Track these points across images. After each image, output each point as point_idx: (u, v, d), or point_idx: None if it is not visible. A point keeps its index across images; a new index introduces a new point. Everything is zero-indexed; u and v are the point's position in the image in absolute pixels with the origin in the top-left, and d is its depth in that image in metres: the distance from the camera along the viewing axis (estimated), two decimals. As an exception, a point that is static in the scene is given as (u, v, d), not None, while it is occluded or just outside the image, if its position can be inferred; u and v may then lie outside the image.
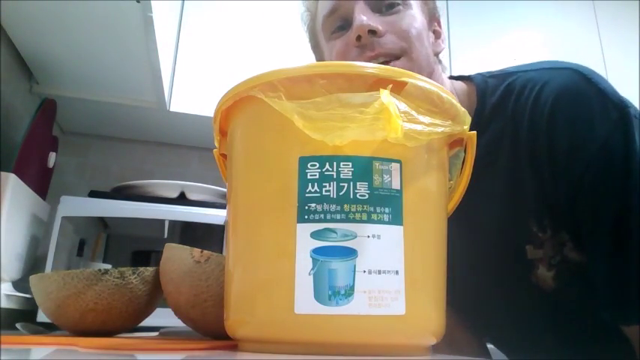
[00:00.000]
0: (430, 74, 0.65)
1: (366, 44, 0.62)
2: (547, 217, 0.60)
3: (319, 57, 0.75)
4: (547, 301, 0.63)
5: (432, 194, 0.42)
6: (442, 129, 0.40)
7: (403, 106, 0.38)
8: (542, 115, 0.58)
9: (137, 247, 1.36)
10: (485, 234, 0.66)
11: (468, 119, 0.44)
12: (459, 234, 0.55)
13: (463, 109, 0.43)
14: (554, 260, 0.60)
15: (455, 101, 0.43)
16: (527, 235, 0.61)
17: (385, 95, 0.36)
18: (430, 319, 0.39)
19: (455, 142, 0.47)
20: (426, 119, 0.39)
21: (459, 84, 0.69)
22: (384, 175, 0.38)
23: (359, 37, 0.62)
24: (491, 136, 0.63)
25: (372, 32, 0.62)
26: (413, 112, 0.38)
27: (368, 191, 0.37)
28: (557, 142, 0.57)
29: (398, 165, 0.38)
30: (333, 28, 0.68)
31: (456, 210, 0.48)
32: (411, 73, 0.40)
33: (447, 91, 0.42)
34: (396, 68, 0.40)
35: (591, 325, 0.62)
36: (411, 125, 0.37)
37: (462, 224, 0.58)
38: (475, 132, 0.46)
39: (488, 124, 0.64)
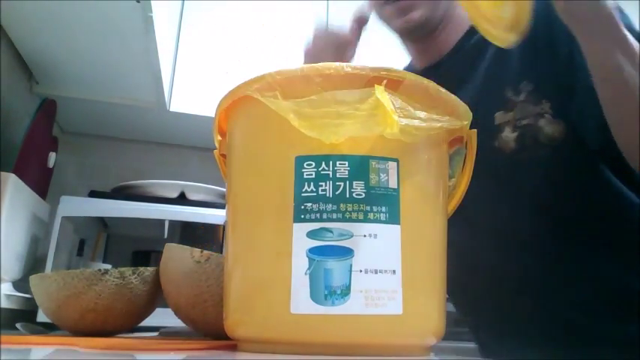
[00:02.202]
0: None
1: None
2: (525, 82, 0.66)
3: None
4: (504, 164, 0.68)
5: (431, 193, 0.42)
6: (440, 124, 0.40)
7: (399, 102, 0.37)
8: None
9: (137, 247, 1.36)
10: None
11: (469, 115, 0.44)
12: None
13: (463, 104, 0.43)
14: (520, 123, 0.67)
15: (454, 97, 0.42)
16: (499, 102, 0.69)
17: (380, 91, 0.36)
18: (429, 319, 0.39)
19: (455, 140, 0.47)
20: (423, 114, 0.39)
21: None
22: (381, 174, 0.38)
23: None
24: None
25: None
26: (409, 108, 0.38)
27: (364, 190, 0.37)
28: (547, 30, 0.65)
29: (395, 164, 0.38)
30: None
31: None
32: (407, 72, 0.40)
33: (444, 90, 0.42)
34: (392, 67, 0.40)
35: (544, 190, 0.67)
36: (408, 121, 0.37)
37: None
38: (475, 130, 0.46)
39: None
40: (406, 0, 0.71)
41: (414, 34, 0.75)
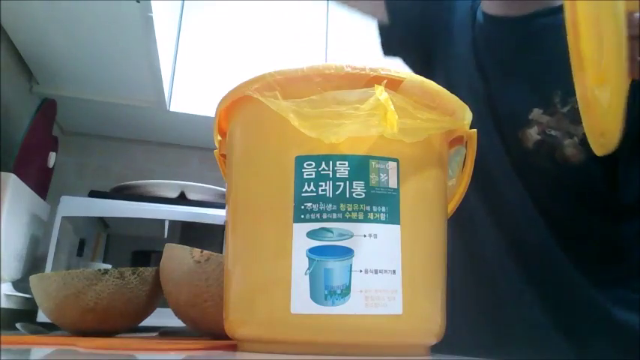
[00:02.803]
0: None
1: None
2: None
3: None
4: (516, 155, 0.69)
5: (431, 193, 0.42)
6: (440, 124, 0.40)
7: (399, 102, 0.37)
8: None
9: (137, 247, 1.36)
10: (507, 84, 0.72)
11: (469, 115, 0.44)
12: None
13: (463, 104, 0.43)
14: (549, 131, 0.66)
15: (454, 97, 0.42)
16: (543, 100, 0.67)
17: (380, 91, 0.36)
18: (429, 319, 0.39)
19: (455, 140, 0.47)
20: (424, 115, 0.39)
21: None
22: (381, 174, 0.38)
23: None
24: None
25: None
26: (409, 108, 0.38)
27: (364, 190, 0.37)
28: None
29: (395, 164, 0.38)
30: None
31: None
32: (407, 72, 0.40)
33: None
34: (392, 68, 0.40)
35: (540, 200, 0.68)
36: (408, 121, 0.37)
37: (503, 69, 0.68)
38: (475, 130, 0.46)
39: None
40: None
41: None
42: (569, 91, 0.65)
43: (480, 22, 0.77)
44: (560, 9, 0.67)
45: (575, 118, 0.65)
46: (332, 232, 0.36)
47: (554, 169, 0.66)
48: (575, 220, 0.68)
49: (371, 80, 0.38)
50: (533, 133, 0.67)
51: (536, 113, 0.68)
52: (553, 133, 0.66)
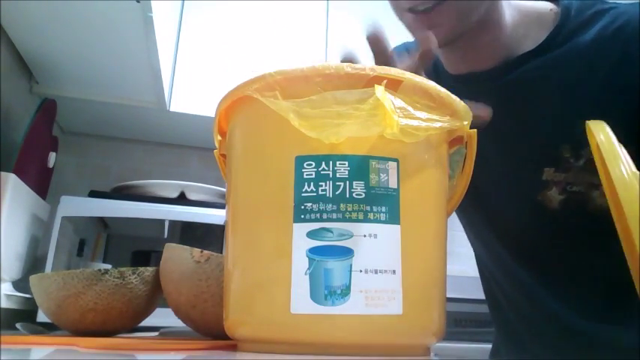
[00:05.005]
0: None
1: None
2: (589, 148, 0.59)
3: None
4: (544, 219, 0.65)
5: (431, 193, 0.42)
6: (440, 124, 0.40)
7: (399, 102, 0.37)
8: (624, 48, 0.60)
9: (137, 247, 1.37)
10: (507, 151, 0.68)
11: (469, 115, 0.44)
12: (486, 145, 0.56)
13: (463, 104, 0.43)
14: (570, 187, 0.62)
15: (454, 97, 0.42)
16: (552, 158, 0.63)
17: (380, 91, 0.36)
18: (429, 319, 0.39)
19: (455, 140, 0.47)
20: (424, 115, 0.39)
21: (538, 5, 0.68)
22: (381, 174, 0.38)
23: None
24: (560, 56, 0.63)
25: None
26: (409, 108, 0.38)
27: (364, 190, 0.37)
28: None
29: (395, 164, 0.38)
30: None
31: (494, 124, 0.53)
32: (406, 72, 0.40)
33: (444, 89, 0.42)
34: (392, 68, 0.40)
35: (578, 256, 0.65)
36: (408, 121, 0.37)
37: (497, 137, 0.63)
38: (475, 130, 0.46)
39: (563, 42, 0.64)
40: (430, 17, 0.59)
41: (441, 46, 0.65)
42: (579, 143, 0.60)
43: (444, 79, 0.71)
44: (530, 55, 0.65)
45: (594, 169, 0.58)
46: (332, 232, 0.36)
47: (589, 222, 0.62)
48: (600, 262, 0.64)
49: (371, 80, 0.38)
50: (554, 195, 0.63)
51: (548, 173, 0.63)
52: (575, 188, 0.62)
